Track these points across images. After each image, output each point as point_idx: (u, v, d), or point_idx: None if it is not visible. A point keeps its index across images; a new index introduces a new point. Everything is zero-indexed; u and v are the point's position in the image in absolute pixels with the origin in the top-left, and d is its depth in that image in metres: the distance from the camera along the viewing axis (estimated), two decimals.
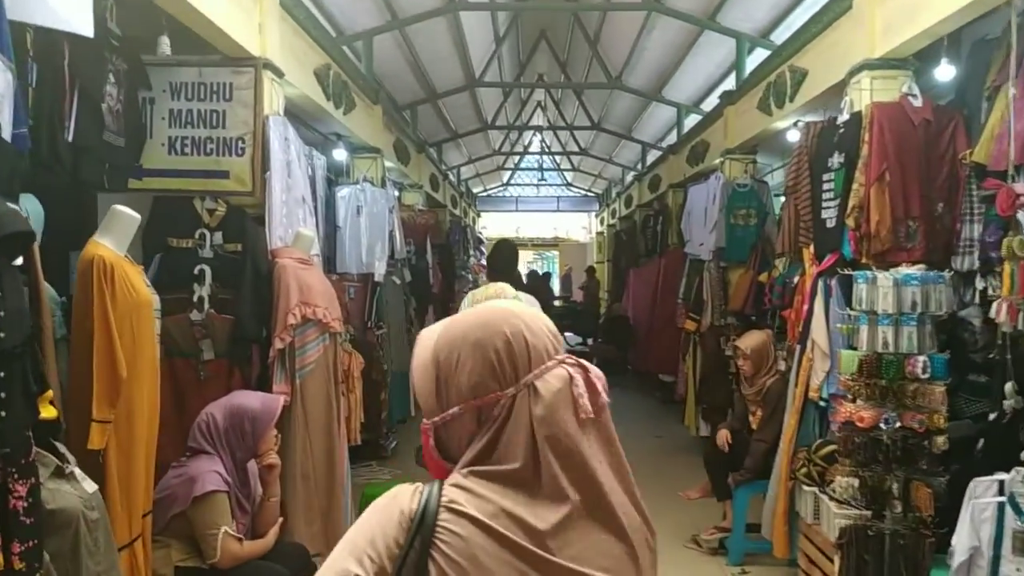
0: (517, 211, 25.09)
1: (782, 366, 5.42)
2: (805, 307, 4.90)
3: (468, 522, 1.17)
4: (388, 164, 9.18)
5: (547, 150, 19.78)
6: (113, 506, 2.89)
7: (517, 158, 21.93)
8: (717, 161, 8.77)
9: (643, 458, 7.90)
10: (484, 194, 24.47)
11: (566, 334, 19.39)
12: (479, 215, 23.43)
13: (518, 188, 24.98)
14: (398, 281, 8.39)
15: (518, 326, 1.28)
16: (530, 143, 19.82)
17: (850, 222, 4.63)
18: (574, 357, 1.30)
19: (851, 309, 4.21)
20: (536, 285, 19.85)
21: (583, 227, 26.23)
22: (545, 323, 1.32)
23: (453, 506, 1.18)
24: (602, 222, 22.08)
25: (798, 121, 6.85)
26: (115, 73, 4.33)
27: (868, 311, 3.97)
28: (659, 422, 10.19)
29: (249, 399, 3.35)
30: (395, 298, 8.45)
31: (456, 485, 1.21)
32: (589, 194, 24.49)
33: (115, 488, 2.92)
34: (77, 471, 2.64)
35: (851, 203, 4.64)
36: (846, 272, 4.52)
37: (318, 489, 4.78)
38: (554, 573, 1.16)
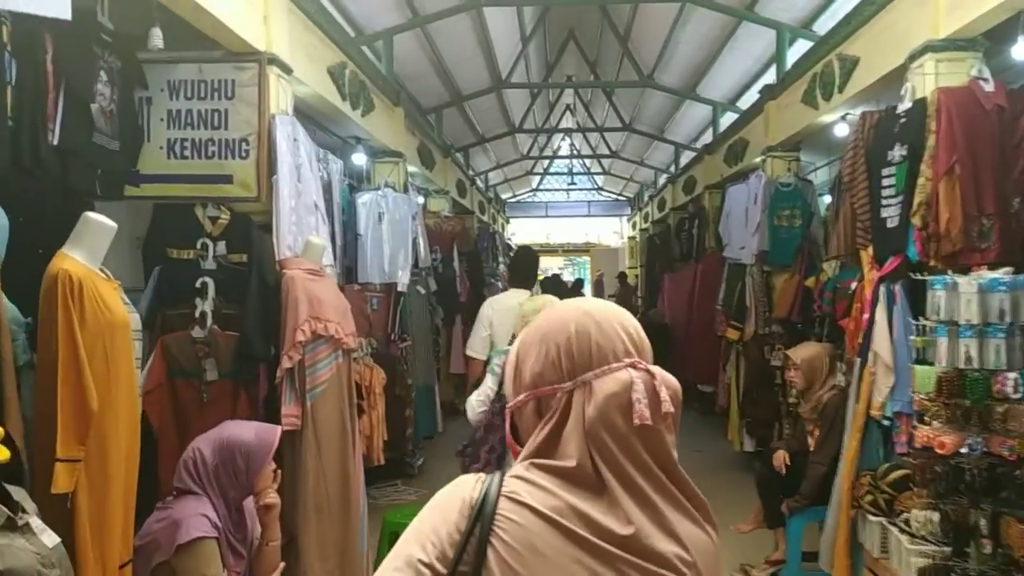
0: (547, 216, 24.68)
1: (841, 381, 4.94)
2: (865, 316, 4.42)
3: (528, 511, 1.18)
4: (412, 169, 8.82)
5: (577, 153, 19.33)
6: (83, 558, 2.52)
7: (546, 162, 21.54)
8: (758, 160, 8.29)
9: None
10: (513, 200, 24.11)
11: None
12: (508, 221, 23.06)
13: (547, 193, 24.57)
14: (423, 291, 8.01)
15: (586, 324, 1.27)
16: (559, 148, 19.41)
17: (916, 221, 4.16)
18: (646, 363, 1.26)
19: (923, 319, 3.74)
20: (560, 292, 19.38)
21: (615, 231, 25.74)
22: (624, 326, 1.29)
23: (513, 496, 1.19)
24: (634, 226, 21.61)
25: (847, 114, 6.38)
26: (107, 71, 3.98)
27: (947, 321, 3.49)
28: (698, 435, 9.68)
29: (241, 431, 2.96)
30: (420, 309, 8.06)
31: (517, 476, 1.23)
32: (620, 198, 24.02)
33: (86, 537, 2.55)
34: (35, 522, 2.26)
35: (917, 199, 4.17)
36: (917, 277, 4.05)
37: (333, 521, 4.39)
38: (615, 564, 1.16)
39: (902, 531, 3.78)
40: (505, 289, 16.22)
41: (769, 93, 7.75)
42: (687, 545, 1.20)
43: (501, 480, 1.23)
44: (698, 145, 13.40)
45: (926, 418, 3.55)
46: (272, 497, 2.99)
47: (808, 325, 7.25)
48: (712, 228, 10.80)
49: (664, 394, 1.22)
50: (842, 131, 6.51)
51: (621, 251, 25.01)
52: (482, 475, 1.27)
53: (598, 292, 23.24)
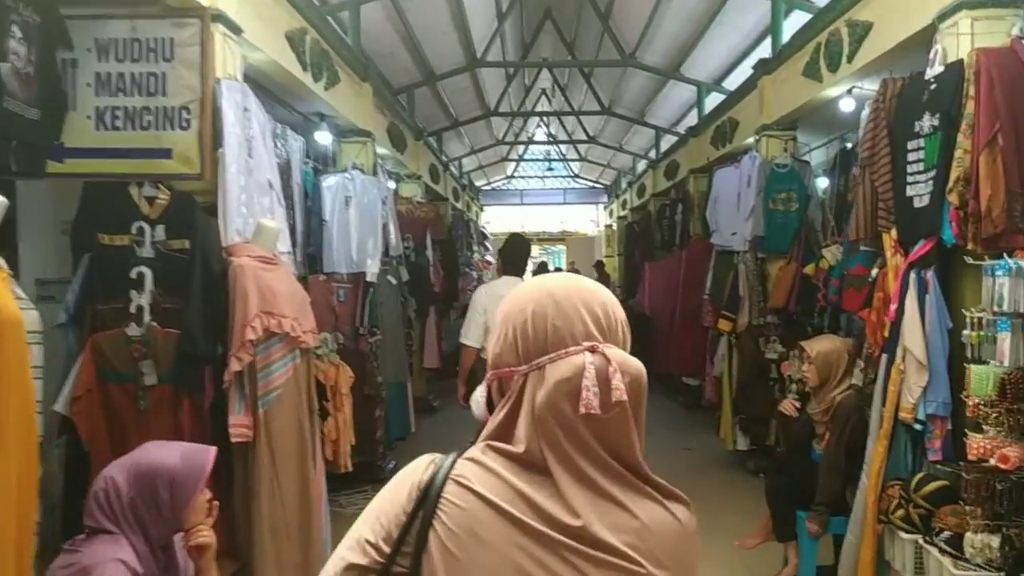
0: (522, 204, 24.10)
1: (858, 379, 4.46)
2: (892, 307, 3.93)
3: (472, 495, 1.15)
4: (381, 151, 8.25)
5: (553, 139, 18.79)
6: None
7: (522, 149, 20.97)
8: (750, 140, 7.81)
9: (673, 476, 6.87)
10: (488, 187, 23.52)
11: None
12: (482, 209, 22.48)
13: (523, 180, 24.01)
14: (394, 281, 7.45)
15: (544, 304, 1.20)
16: (534, 134, 18.84)
17: (953, 199, 3.67)
18: (608, 347, 1.17)
19: (972, 310, 3.26)
20: None
21: (591, 220, 25.22)
22: (589, 306, 1.20)
23: (460, 479, 1.17)
24: (611, 214, 21.13)
25: (853, 87, 5.91)
26: (21, 26, 3.41)
27: (1011, 313, 3.01)
28: (686, 432, 9.22)
29: (164, 454, 2.39)
30: (391, 300, 7.50)
31: (469, 459, 1.20)
32: (597, 185, 23.52)
33: None
34: None
35: (954, 175, 3.68)
36: (971, 262, 3.56)
37: (291, 543, 3.84)
38: (559, 551, 1.12)
39: (944, 552, 3.30)
40: (480, 279, 15.78)
41: (764, 68, 7.26)
42: (643, 530, 1.15)
43: (453, 463, 1.20)
44: (680, 129, 12.93)
45: (983, 426, 3.06)
46: (205, 536, 2.42)
47: (806, 315, 6.80)
48: (698, 214, 10.34)
49: (617, 381, 1.14)
50: (847, 106, 6.04)
51: (598, 240, 24.50)
52: (436, 456, 1.23)
53: None
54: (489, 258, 19.35)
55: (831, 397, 4.43)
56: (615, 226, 20.10)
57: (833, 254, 6.29)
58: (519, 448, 1.17)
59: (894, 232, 4.19)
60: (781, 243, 7.06)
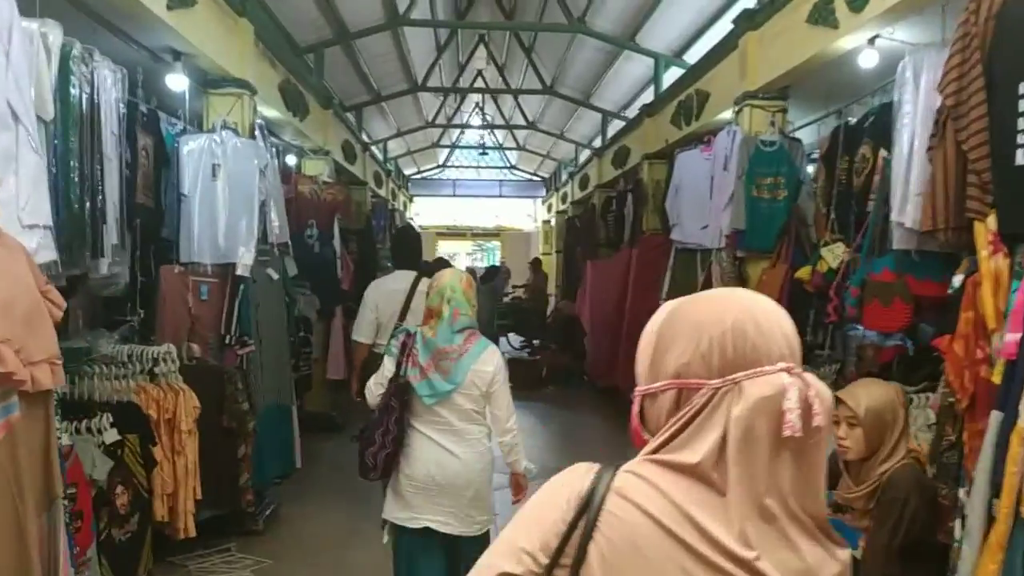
0: (455, 196, 22.47)
1: (918, 443, 2.99)
2: (1012, 336, 2.47)
3: (636, 509, 1.11)
4: (270, 113, 6.61)
5: (488, 124, 17.23)
6: None
7: (455, 135, 19.37)
8: (726, 114, 6.39)
9: None
10: (418, 176, 21.86)
11: (508, 335, 17.03)
12: (411, 200, 20.82)
13: (456, 171, 22.39)
14: (275, 275, 5.80)
15: (744, 320, 1.14)
16: (469, 118, 17.25)
17: None
18: (802, 370, 1.12)
19: None
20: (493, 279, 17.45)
21: (528, 215, 23.74)
22: (783, 327, 1.16)
23: (623, 492, 1.13)
24: (549, 209, 19.69)
25: (876, 36, 4.50)
26: None
27: None
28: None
29: None
30: (271, 300, 5.84)
31: (631, 472, 1.15)
32: (535, 178, 22.04)
33: None
34: None
35: None
36: None
37: None
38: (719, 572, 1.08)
39: None
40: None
41: (749, 21, 5.81)
42: (807, 573, 1.09)
43: (614, 473, 1.16)
44: (629, 114, 11.53)
45: None
46: None
47: (799, 333, 5.40)
48: (652, 206, 8.96)
49: (818, 406, 1.10)
50: (869, 61, 4.63)
51: (534, 236, 23.07)
52: (595, 465, 1.19)
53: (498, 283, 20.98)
54: None
55: (879, 472, 2.96)
56: (553, 221, 18.65)
57: (835, 254, 4.92)
58: (691, 458, 1.11)
59: (991, 220, 2.74)
60: (765, 239, 5.64)
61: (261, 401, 5.56)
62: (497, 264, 20.61)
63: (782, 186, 5.68)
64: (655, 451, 1.16)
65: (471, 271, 18.20)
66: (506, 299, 18.03)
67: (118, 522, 3.62)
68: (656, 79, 9.47)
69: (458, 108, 16.64)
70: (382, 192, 14.23)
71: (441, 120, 16.36)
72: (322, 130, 8.74)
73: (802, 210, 5.65)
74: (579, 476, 1.18)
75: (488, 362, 3.33)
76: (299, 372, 7.65)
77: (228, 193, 5.36)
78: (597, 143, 13.29)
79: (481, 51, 13.90)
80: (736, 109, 6.00)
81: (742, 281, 5.80)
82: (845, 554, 1.14)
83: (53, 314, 2.35)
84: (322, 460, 7.67)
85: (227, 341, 5.35)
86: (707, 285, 5.88)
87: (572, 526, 1.13)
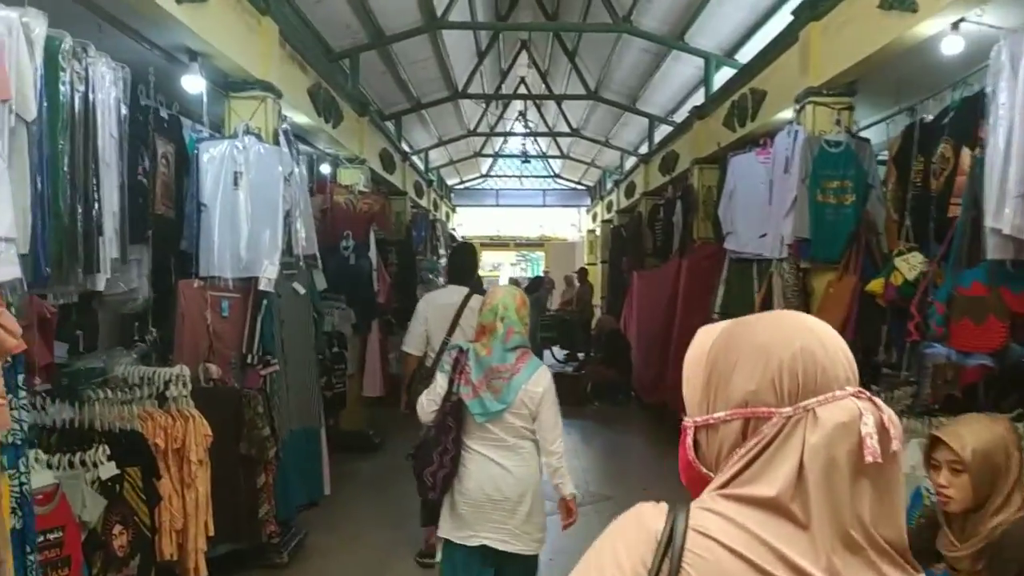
0: (497, 206, 22.11)
1: None
2: None
3: (720, 548, 1.04)
4: (297, 118, 6.28)
5: (531, 131, 16.83)
6: None
7: (498, 144, 19.00)
8: (785, 113, 5.92)
9: None
10: (461, 187, 21.55)
11: (552, 348, 16.63)
12: (454, 210, 20.51)
13: (499, 180, 22.02)
14: (302, 290, 5.44)
15: (812, 343, 1.09)
16: (512, 126, 16.87)
17: None
18: (868, 393, 1.08)
19: None
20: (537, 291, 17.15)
21: (572, 224, 23.27)
22: (844, 350, 1.11)
23: (703, 530, 1.06)
24: (594, 218, 19.23)
25: (961, 20, 4.02)
26: None
27: None
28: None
29: None
30: (297, 316, 5.49)
31: (707, 508, 1.08)
32: (579, 187, 21.58)
33: None
34: None
35: None
36: None
37: None
38: None
39: None
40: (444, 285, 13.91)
41: (812, 11, 5.33)
42: None
43: (688, 511, 1.08)
44: (677, 118, 11.06)
45: None
46: None
47: (870, 351, 4.91)
48: (704, 213, 8.45)
49: (894, 431, 1.05)
50: (952, 48, 4.14)
51: (579, 246, 22.60)
52: (662, 504, 1.12)
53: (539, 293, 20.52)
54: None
55: (990, 528, 2.47)
56: (598, 231, 18.19)
57: (911, 265, 4.44)
58: (767, 492, 1.04)
59: None
60: (832, 249, 5.17)
61: (286, 425, 5.21)
62: (541, 275, 20.27)
63: (849, 190, 5.20)
64: (724, 485, 1.09)
65: (514, 282, 17.96)
66: (550, 311, 17.64)
67: (115, 566, 3.26)
68: (707, 80, 8.99)
69: (501, 116, 16.28)
70: (423, 202, 13.92)
71: (483, 128, 16.00)
72: (357, 138, 8.42)
73: (872, 216, 5.17)
74: (652, 517, 1.11)
75: (539, 383, 3.32)
76: (333, 390, 7.33)
77: (250, 202, 5.04)
78: (643, 150, 12.83)
79: (523, 57, 13.55)
80: (797, 107, 5.52)
81: (806, 295, 5.31)
82: None
83: (5, 343, 1.99)
84: (357, 481, 7.33)
85: (249, 361, 5.00)
86: (767, 299, 5.40)
87: (655, 570, 1.06)
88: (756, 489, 1.06)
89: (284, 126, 5.39)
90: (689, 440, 1.17)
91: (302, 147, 8.21)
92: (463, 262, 5.58)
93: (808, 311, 5.23)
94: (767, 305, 5.36)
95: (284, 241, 5.15)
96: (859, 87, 5.30)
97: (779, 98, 6.11)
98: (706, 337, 1.21)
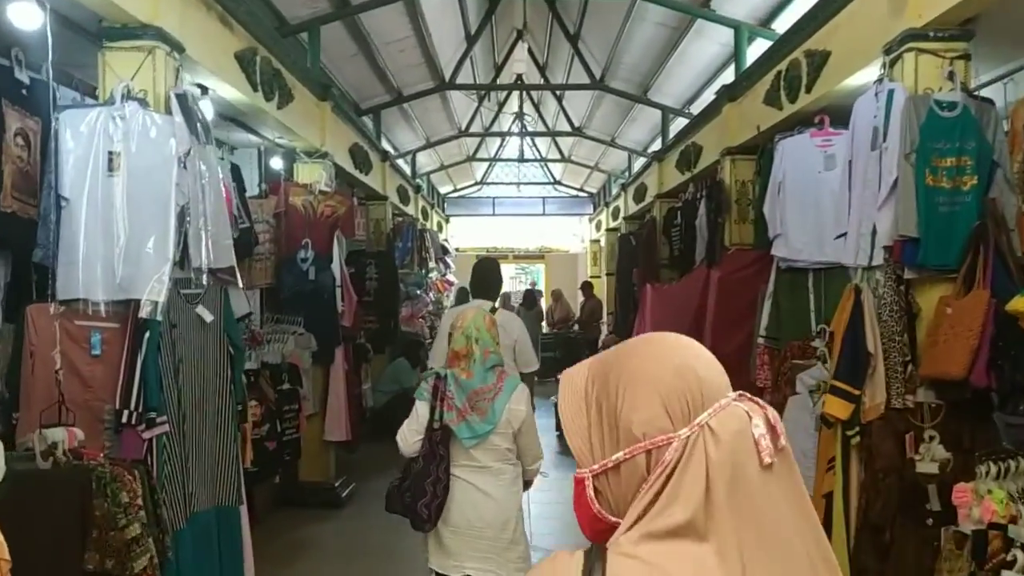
0: (494, 215, 20.57)
1: None
2: None
3: None
4: (224, 89, 4.83)
5: (528, 132, 15.32)
6: None
7: (494, 148, 17.52)
8: (865, 74, 4.45)
9: None
10: (455, 195, 20.06)
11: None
12: (447, 220, 19.02)
13: (495, 188, 20.51)
14: (208, 317, 3.92)
15: (687, 358, 1.09)
16: (511, 126, 15.37)
17: None
18: (747, 394, 1.10)
19: None
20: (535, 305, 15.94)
21: (574, 234, 21.73)
22: (711, 354, 1.13)
23: None
24: (598, 227, 17.72)
25: None
26: None
27: None
28: None
29: None
30: (202, 354, 3.95)
31: (623, 554, 1.03)
32: (581, 193, 20.07)
33: None
34: None
35: None
36: None
37: None
38: None
39: None
40: (439, 303, 12.61)
41: None
42: None
43: (603, 557, 1.03)
44: (695, 109, 9.61)
45: None
46: None
47: (1009, 395, 3.44)
48: (739, 213, 6.99)
49: (780, 426, 1.06)
50: None
51: (581, 257, 21.08)
52: (576, 552, 1.08)
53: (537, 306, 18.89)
54: (452, 277, 15.95)
55: None
56: (603, 241, 16.68)
57: None
58: (682, 517, 1.01)
59: None
60: (948, 251, 3.69)
61: (185, 508, 3.72)
62: (531, 288, 18.88)
63: (969, 170, 3.72)
64: (635, 522, 1.04)
65: (505, 296, 16.51)
66: (553, 329, 16.16)
67: None
68: (737, 55, 7.52)
69: (496, 117, 14.82)
70: (409, 210, 12.45)
71: (476, 129, 14.51)
72: (317, 126, 6.95)
73: (999, 206, 3.69)
74: (564, 565, 1.07)
75: (520, 400, 3.36)
76: (281, 438, 5.87)
77: (131, 195, 3.58)
78: (655, 147, 11.37)
79: (520, 52, 12.03)
80: (889, 59, 4.03)
81: (911, 316, 3.81)
82: None
83: None
84: (316, 553, 5.85)
85: (126, 419, 3.51)
86: (856, 321, 3.86)
87: None
88: (669, 518, 1.01)
89: (186, 88, 3.90)
90: (590, 492, 1.11)
91: (252, 138, 6.78)
92: (487, 276, 5.38)
93: (914, 339, 3.75)
94: (854, 331, 3.83)
95: (179, 249, 3.67)
96: (978, 28, 3.82)
97: (850, 57, 4.64)
98: (574, 381, 1.15)
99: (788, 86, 5.61)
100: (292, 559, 5.64)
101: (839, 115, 5.37)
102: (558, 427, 10.01)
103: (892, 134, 3.79)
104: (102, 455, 3.29)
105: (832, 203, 5.32)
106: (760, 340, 5.86)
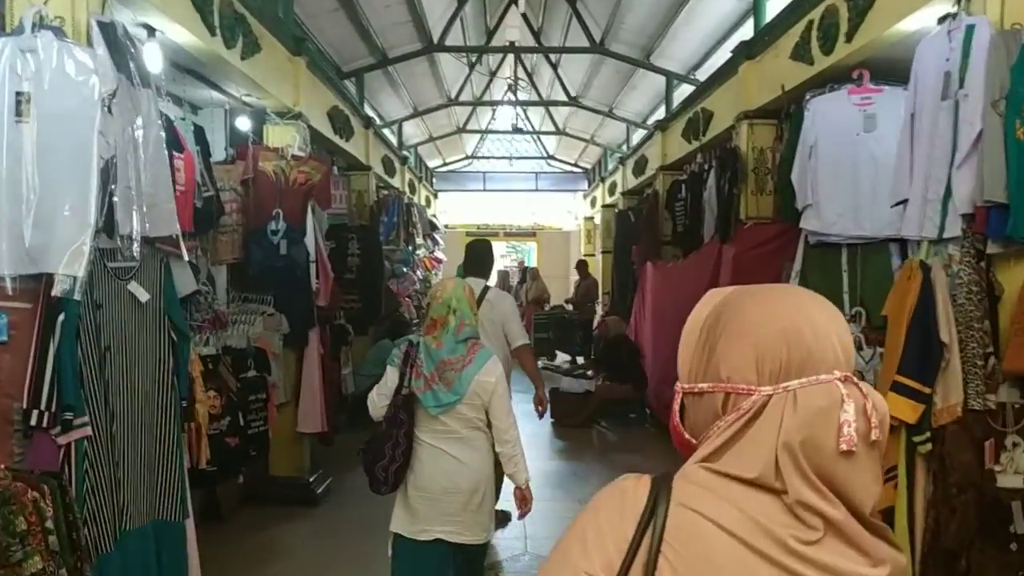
0: (484, 190, 19.84)
1: None
2: None
3: (704, 521, 1.03)
4: (167, 28, 4.13)
5: (519, 102, 14.56)
6: None
7: (485, 120, 16.77)
8: (917, 18, 3.79)
9: None
10: (444, 169, 19.33)
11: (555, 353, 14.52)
12: (435, 195, 18.30)
13: (486, 162, 19.78)
14: (143, 296, 3.22)
15: (800, 324, 1.06)
16: (504, 96, 14.61)
17: None
18: (855, 379, 1.05)
19: None
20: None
21: (568, 211, 21.04)
22: (840, 333, 1.07)
23: (688, 503, 1.05)
24: (593, 203, 17.05)
25: None
26: None
27: None
28: None
29: None
30: (136, 341, 3.27)
31: (691, 481, 1.07)
32: (576, 169, 19.39)
33: None
34: None
35: None
36: None
37: None
38: None
39: None
40: (426, 280, 12.00)
41: None
42: (883, 563, 1.01)
43: (670, 484, 1.08)
44: (701, 76, 8.95)
45: None
46: None
47: None
48: (756, 183, 6.34)
49: (875, 419, 1.02)
50: None
51: (574, 235, 20.42)
52: (644, 476, 1.11)
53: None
54: (440, 254, 15.26)
55: None
56: (598, 218, 16.02)
57: None
58: (749, 474, 1.02)
59: None
60: None
61: (113, 527, 3.05)
62: (530, 265, 18.29)
63: None
64: (707, 459, 1.07)
65: (504, 274, 15.82)
66: (546, 307, 15.51)
67: None
68: (757, 8, 6.84)
69: (488, 86, 14.07)
70: (395, 182, 11.75)
71: (467, 97, 13.76)
72: (290, 83, 6.25)
73: None
74: (634, 490, 1.09)
75: (490, 372, 3.31)
76: (246, 433, 5.22)
77: (44, 146, 2.89)
78: (657, 117, 10.69)
79: (513, 16, 11.28)
80: None
81: (992, 299, 3.16)
82: (904, 558, 1.05)
83: None
84: (288, 553, 5.23)
85: (35, 421, 2.84)
86: (925, 305, 3.21)
87: (636, 543, 1.05)
88: (737, 468, 1.03)
89: (108, 18, 3.20)
90: (676, 405, 1.16)
91: (217, 96, 6.07)
92: (480, 256, 5.56)
93: (996, 326, 3.10)
94: (923, 317, 3.18)
95: (103, 213, 2.98)
96: None
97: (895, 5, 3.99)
98: (711, 300, 1.17)
99: (823, 36, 4.95)
100: (258, 566, 5.01)
101: (880, 69, 4.76)
102: (553, 415, 9.36)
103: (973, 79, 3.12)
104: (3, 466, 2.64)
105: (873, 169, 4.72)
106: None
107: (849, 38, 4.65)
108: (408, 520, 3.32)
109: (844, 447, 0.98)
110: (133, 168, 3.06)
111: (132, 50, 3.25)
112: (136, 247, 3.08)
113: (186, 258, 3.62)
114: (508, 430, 3.37)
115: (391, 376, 3.34)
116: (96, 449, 2.99)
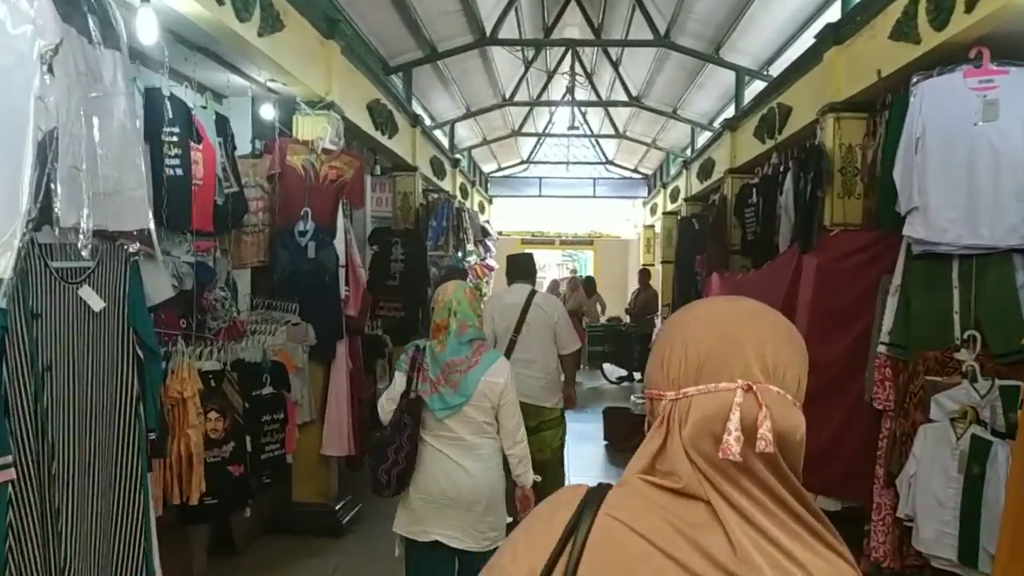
0: (540, 196, 19.13)
1: None
2: None
3: (628, 531, 1.05)
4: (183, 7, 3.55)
5: (575, 102, 13.81)
6: None
7: (541, 125, 16.09)
8: None
9: None
10: (499, 174, 18.72)
11: (604, 366, 13.92)
12: (490, 201, 17.69)
13: (542, 167, 19.09)
14: (98, 304, 2.62)
15: (706, 327, 1.09)
16: (563, 97, 13.91)
17: None
18: (768, 389, 1.04)
19: None
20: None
21: (626, 219, 20.21)
22: (760, 340, 1.07)
23: (612, 512, 1.08)
24: (653, 211, 16.25)
25: None
26: None
27: None
28: None
29: None
30: (85, 359, 2.67)
31: (623, 490, 1.10)
32: (635, 175, 18.59)
33: None
34: None
35: None
36: None
37: None
38: None
39: None
40: (478, 288, 11.49)
41: None
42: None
43: (603, 495, 1.10)
44: (774, 71, 8.17)
45: None
46: None
47: None
48: (844, 186, 5.57)
49: (764, 430, 1.01)
50: None
51: (633, 244, 19.63)
52: (583, 485, 1.14)
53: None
54: (491, 262, 14.65)
55: None
56: (658, 226, 15.23)
57: None
58: (676, 484, 1.05)
59: None
60: None
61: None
62: (584, 273, 17.57)
63: None
64: (643, 469, 1.09)
65: (555, 283, 15.06)
66: (585, 321, 14.76)
67: None
68: None
69: (545, 86, 13.42)
70: (444, 185, 11.15)
71: (522, 97, 13.09)
72: (322, 68, 5.67)
73: None
74: (566, 498, 1.13)
75: (499, 374, 3.32)
76: (264, 453, 4.65)
77: None
78: (725, 117, 9.91)
79: (572, 14, 10.60)
80: None
81: None
82: (843, 561, 1.04)
83: None
84: None
85: None
86: None
87: (558, 551, 1.07)
88: (664, 477, 1.05)
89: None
90: (646, 409, 1.17)
91: (238, 81, 5.52)
92: (524, 264, 5.66)
93: None
94: None
95: (39, 199, 2.38)
96: None
97: None
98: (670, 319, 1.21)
99: (934, 7, 4.17)
100: None
101: (1006, 46, 3.98)
102: (606, 436, 8.79)
103: None
104: None
105: (993, 165, 3.97)
106: (881, 348, 4.51)
107: (970, 7, 3.87)
108: (408, 520, 3.36)
109: (721, 455, 0.99)
110: (81, 142, 2.45)
111: (93, 3, 2.65)
112: (84, 242, 2.47)
113: (160, 258, 3.01)
114: (517, 431, 3.40)
115: (399, 381, 3.37)
116: (25, 494, 2.38)
